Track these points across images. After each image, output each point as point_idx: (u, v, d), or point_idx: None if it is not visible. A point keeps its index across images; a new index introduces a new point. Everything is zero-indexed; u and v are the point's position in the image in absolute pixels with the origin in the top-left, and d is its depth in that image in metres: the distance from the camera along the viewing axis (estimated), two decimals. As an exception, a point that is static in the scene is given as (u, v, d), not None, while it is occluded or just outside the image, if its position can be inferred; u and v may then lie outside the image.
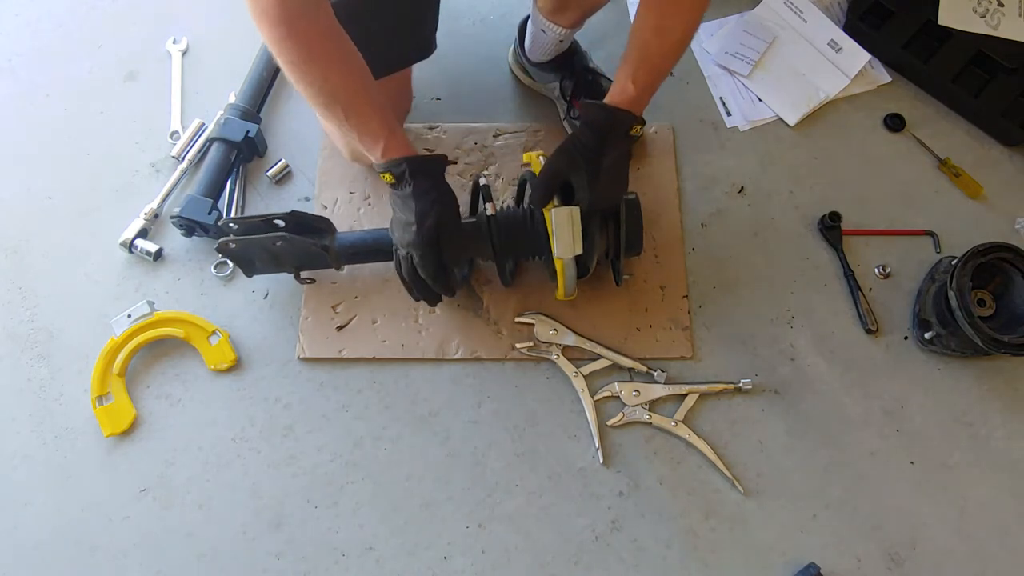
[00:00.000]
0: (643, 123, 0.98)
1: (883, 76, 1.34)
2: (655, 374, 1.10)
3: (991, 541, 1.03)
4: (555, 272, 1.02)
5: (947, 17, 1.32)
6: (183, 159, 1.26)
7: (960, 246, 1.10)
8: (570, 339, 1.12)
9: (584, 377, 1.10)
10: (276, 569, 1.02)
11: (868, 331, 1.14)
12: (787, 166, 1.27)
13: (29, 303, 1.18)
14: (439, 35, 1.11)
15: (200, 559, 1.02)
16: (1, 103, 1.34)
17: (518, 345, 1.12)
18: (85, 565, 1.03)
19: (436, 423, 1.09)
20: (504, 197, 1.22)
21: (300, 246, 1.06)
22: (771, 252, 1.20)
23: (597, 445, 1.06)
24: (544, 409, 1.10)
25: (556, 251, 0.98)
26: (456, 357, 1.12)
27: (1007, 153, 1.28)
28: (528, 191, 1.05)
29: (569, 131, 1.27)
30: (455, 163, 1.20)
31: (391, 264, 1.04)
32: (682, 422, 1.07)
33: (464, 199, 1.08)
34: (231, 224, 1.06)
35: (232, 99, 1.28)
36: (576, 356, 1.12)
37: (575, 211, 0.98)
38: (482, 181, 1.05)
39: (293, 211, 1.06)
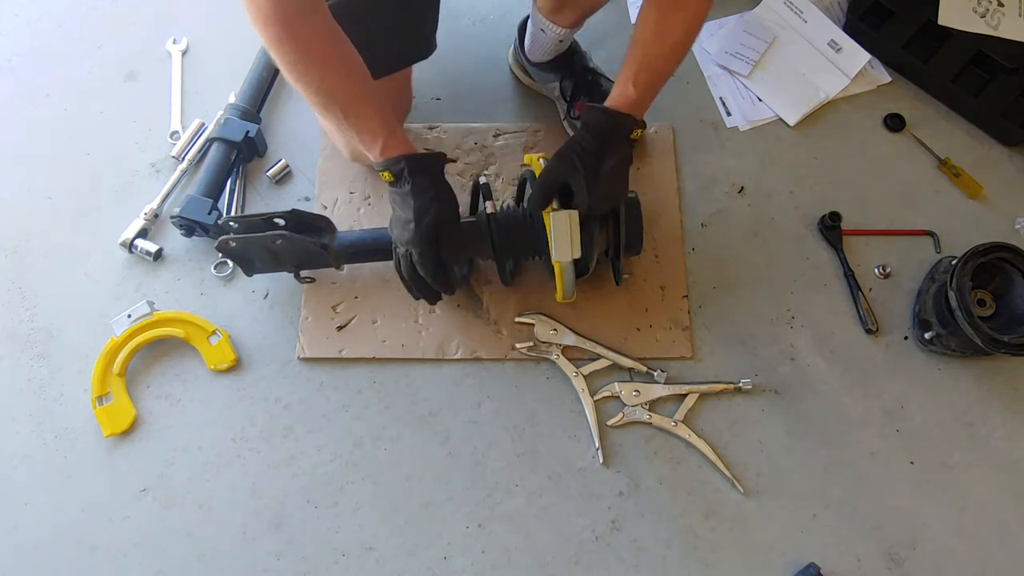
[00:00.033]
0: (644, 126, 0.97)
1: (883, 76, 1.34)
2: (655, 374, 1.10)
3: (991, 541, 1.03)
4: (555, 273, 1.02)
5: (947, 17, 1.32)
6: (183, 159, 1.26)
7: (960, 246, 1.10)
8: (570, 339, 1.12)
9: (584, 377, 1.10)
10: (276, 569, 1.02)
11: (868, 331, 1.14)
12: (787, 166, 1.27)
13: (29, 303, 1.18)
14: (439, 35, 1.11)
15: (200, 559, 1.02)
16: (1, 103, 1.34)
17: (518, 345, 1.12)
18: (85, 565, 1.03)
19: (436, 423, 1.09)
20: (504, 197, 1.22)
21: (300, 245, 1.06)
22: (771, 252, 1.20)
23: (597, 445, 1.06)
24: (544, 409, 1.10)
25: (554, 255, 0.99)
26: (456, 357, 1.12)
27: (1007, 153, 1.28)
28: (528, 191, 1.05)
29: (569, 131, 1.27)
30: (454, 161, 1.20)
31: (391, 264, 1.04)
32: (682, 422, 1.07)
33: (464, 199, 1.08)
34: (231, 223, 1.06)
35: (232, 99, 1.28)
36: (576, 356, 1.12)
37: (573, 215, 0.97)
38: (482, 180, 1.05)
39: (293, 209, 1.06)
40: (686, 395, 1.09)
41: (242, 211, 1.23)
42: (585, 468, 1.06)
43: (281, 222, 1.05)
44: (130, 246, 1.18)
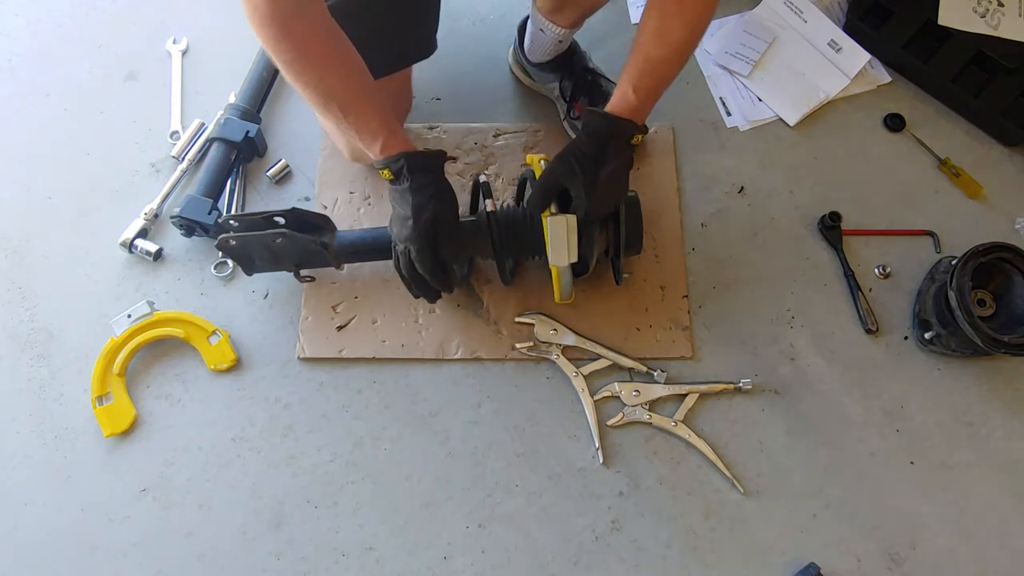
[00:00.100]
0: (645, 131, 0.96)
1: (883, 76, 1.34)
2: (655, 374, 1.10)
3: (991, 541, 1.03)
4: (554, 274, 1.02)
5: (947, 17, 1.32)
6: (183, 159, 1.26)
7: (960, 246, 1.10)
8: (570, 339, 1.12)
9: (584, 377, 1.10)
10: (276, 569, 1.02)
11: (868, 331, 1.14)
12: (787, 166, 1.27)
13: (29, 303, 1.18)
14: (439, 35, 1.11)
15: (200, 559, 1.02)
16: (1, 103, 1.34)
17: (518, 345, 1.12)
18: (85, 565, 1.03)
19: (436, 423, 1.09)
20: (504, 197, 1.22)
21: (300, 243, 1.06)
22: (771, 252, 1.20)
23: (597, 445, 1.06)
24: (544, 409, 1.10)
25: (551, 259, 0.99)
26: (456, 357, 1.12)
27: (1007, 153, 1.28)
28: (528, 190, 1.05)
29: (569, 131, 1.27)
30: (454, 160, 1.19)
31: (391, 264, 1.04)
32: (682, 422, 1.07)
33: (464, 199, 1.08)
34: (231, 221, 1.06)
35: (232, 99, 1.28)
36: (576, 356, 1.12)
37: (571, 219, 0.97)
38: (482, 179, 1.05)
39: (293, 208, 1.06)
40: (686, 395, 1.09)
41: (242, 211, 1.23)
42: (585, 468, 1.06)
43: (281, 220, 1.05)
44: (130, 246, 1.18)
